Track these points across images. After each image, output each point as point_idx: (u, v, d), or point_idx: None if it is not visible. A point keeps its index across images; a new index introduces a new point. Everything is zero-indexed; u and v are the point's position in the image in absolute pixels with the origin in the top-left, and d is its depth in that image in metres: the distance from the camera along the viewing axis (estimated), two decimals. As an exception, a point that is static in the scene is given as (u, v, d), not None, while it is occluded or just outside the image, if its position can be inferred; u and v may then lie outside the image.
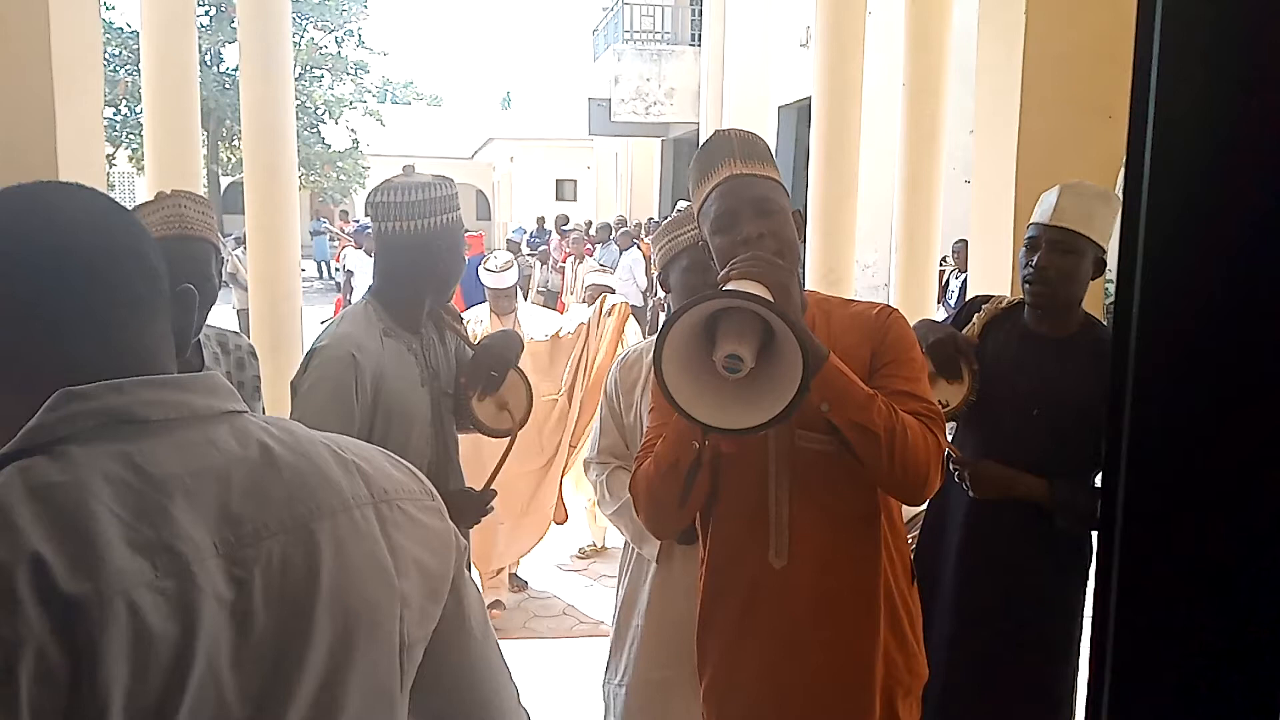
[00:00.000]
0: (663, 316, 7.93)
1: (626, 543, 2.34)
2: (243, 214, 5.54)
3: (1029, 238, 2.13)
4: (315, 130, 25.21)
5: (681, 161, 17.96)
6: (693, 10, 16.47)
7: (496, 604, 4.39)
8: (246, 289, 6.49)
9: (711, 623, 1.72)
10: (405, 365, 2.07)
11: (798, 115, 12.17)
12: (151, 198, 2.18)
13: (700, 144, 1.69)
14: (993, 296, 2.32)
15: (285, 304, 5.40)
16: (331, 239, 20.39)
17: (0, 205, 0.77)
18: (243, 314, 10.20)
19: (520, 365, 2.32)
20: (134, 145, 21.23)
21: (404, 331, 2.09)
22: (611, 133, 18.38)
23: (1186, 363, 0.53)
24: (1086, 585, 2.13)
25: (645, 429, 1.76)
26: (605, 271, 9.48)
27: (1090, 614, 0.68)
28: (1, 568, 0.63)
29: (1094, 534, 1.96)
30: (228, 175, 24.03)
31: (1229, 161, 0.51)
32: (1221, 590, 0.53)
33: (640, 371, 2.30)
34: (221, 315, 3.74)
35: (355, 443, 0.89)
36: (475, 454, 2.76)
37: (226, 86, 21.95)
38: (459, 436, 2.27)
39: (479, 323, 4.34)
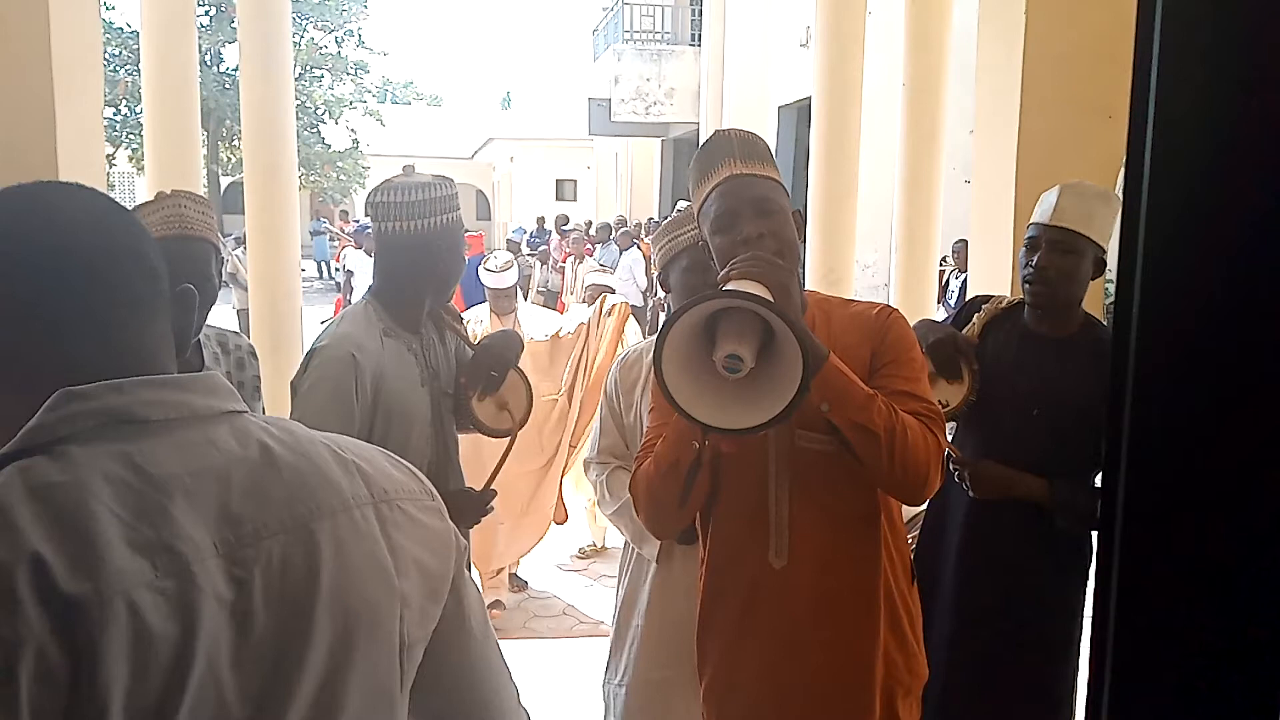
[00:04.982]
0: (663, 316, 7.92)
1: (626, 543, 2.34)
2: (243, 214, 5.54)
3: (1029, 238, 2.13)
4: (315, 130, 25.22)
5: (681, 161, 17.94)
6: (693, 10, 16.47)
7: (496, 604, 4.39)
8: (246, 289, 6.49)
9: (711, 623, 1.72)
10: (405, 365, 2.07)
11: (798, 115, 12.16)
12: (151, 198, 2.18)
13: (700, 144, 1.69)
14: (993, 296, 2.32)
15: (285, 304, 5.40)
16: (331, 239, 20.39)
17: (0, 205, 0.77)
18: (243, 314, 10.20)
19: (520, 365, 2.32)
20: (134, 145, 21.22)
21: (404, 331, 2.09)
22: (611, 133, 18.38)
23: (1186, 363, 0.53)
24: (1086, 585, 2.13)
25: (645, 429, 1.76)
26: (605, 271, 9.48)
27: (1090, 614, 0.68)
28: (1, 568, 0.63)
29: (1094, 534, 1.96)
30: (228, 175, 24.02)
31: (1229, 161, 0.51)
32: (1221, 590, 0.53)
33: (640, 371, 2.30)
34: (221, 315, 3.74)
35: (355, 443, 0.89)
36: (475, 454, 2.76)
37: (226, 86, 21.95)
38: (459, 436, 2.27)
39: (479, 323, 4.34)
